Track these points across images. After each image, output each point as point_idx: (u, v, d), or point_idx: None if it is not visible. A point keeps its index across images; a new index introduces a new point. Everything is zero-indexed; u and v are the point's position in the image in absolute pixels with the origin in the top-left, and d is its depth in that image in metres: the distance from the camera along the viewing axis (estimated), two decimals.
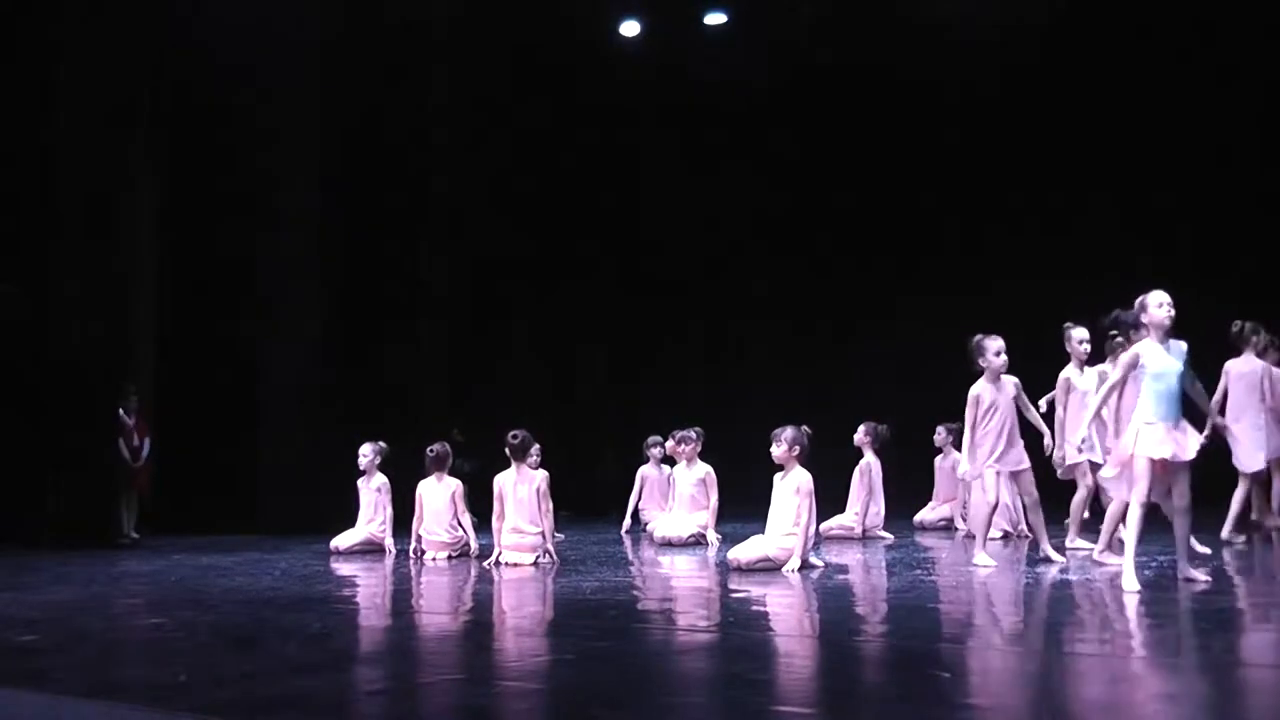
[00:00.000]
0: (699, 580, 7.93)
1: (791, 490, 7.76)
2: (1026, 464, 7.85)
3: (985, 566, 7.56)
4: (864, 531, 10.37)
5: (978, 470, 7.81)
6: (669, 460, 11.17)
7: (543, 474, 8.67)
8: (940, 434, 11.29)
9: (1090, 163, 13.45)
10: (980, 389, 7.74)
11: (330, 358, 12.19)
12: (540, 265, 14.97)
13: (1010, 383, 7.79)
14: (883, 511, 10.58)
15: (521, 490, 8.47)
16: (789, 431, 7.85)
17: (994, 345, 7.73)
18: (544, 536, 8.46)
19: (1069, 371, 8.54)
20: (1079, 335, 8.51)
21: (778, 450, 7.84)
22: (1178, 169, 12.83)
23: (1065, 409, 8.44)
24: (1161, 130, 12.91)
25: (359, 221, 12.57)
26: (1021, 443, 7.84)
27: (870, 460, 10.68)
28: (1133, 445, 6.42)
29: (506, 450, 8.55)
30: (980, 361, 7.75)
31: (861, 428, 10.77)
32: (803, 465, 7.83)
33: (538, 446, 9.56)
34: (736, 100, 15.40)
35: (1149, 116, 13.02)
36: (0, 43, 11.05)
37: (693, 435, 10.49)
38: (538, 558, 8.37)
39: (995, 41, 13.55)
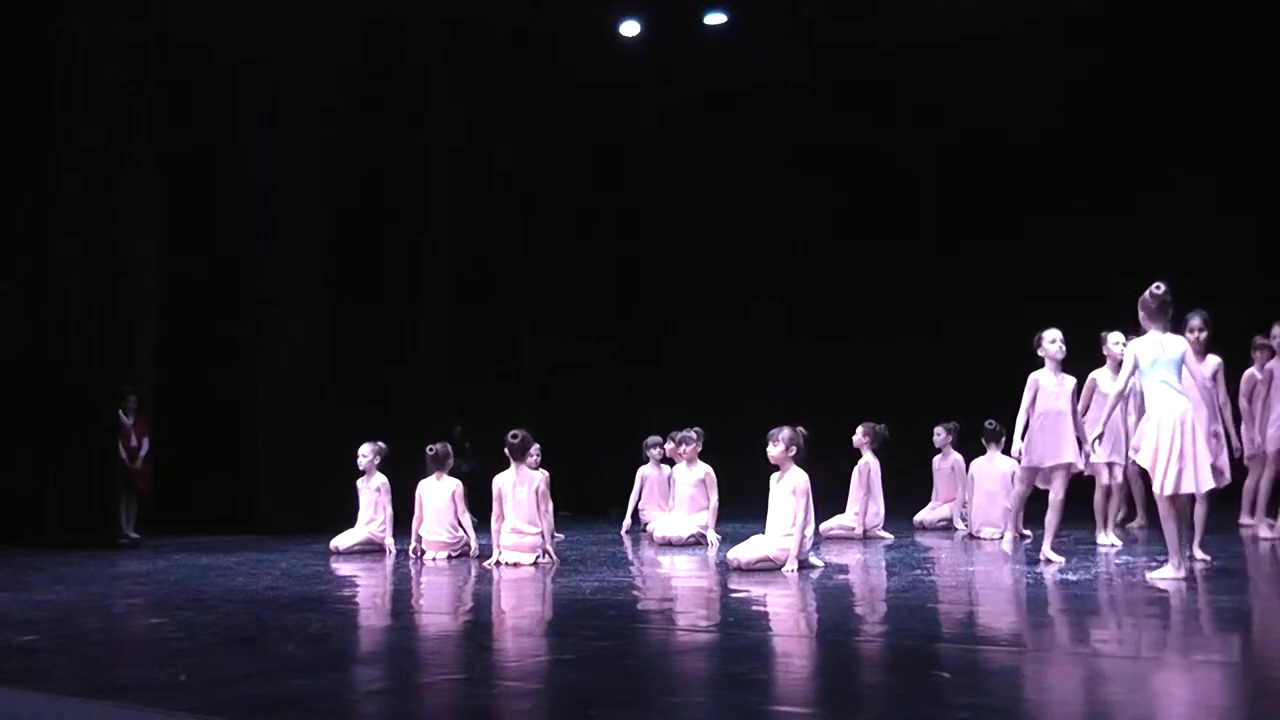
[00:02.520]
0: (699, 580, 7.94)
1: (788, 491, 7.76)
2: (1069, 460, 7.80)
3: (1052, 561, 7.65)
4: (864, 531, 10.38)
5: (1025, 461, 7.82)
6: (669, 460, 11.17)
7: (542, 474, 8.68)
8: (939, 434, 11.28)
9: (1097, 175, 13.44)
10: (1036, 376, 7.86)
11: (330, 358, 12.18)
12: (541, 265, 14.96)
13: (1069, 379, 7.88)
14: (882, 511, 10.57)
15: (521, 490, 8.46)
16: (785, 432, 7.86)
17: (1049, 335, 7.92)
18: (543, 537, 8.46)
19: (1099, 374, 8.67)
20: (1114, 339, 8.67)
21: (774, 451, 7.85)
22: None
23: (1086, 409, 8.52)
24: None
25: (359, 221, 12.56)
26: (1073, 440, 7.83)
27: (869, 460, 10.68)
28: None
29: (506, 450, 8.55)
30: (1038, 351, 7.91)
31: (860, 428, 10.75)
32: (799, 466, 7.84)
33: (537, 446, 9.57)
34: (735, 99, 15.38)
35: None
36: (0, 41, 11.04)
37: (693, 435, 10.48)
38: (537, 558, 8.38)
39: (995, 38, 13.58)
